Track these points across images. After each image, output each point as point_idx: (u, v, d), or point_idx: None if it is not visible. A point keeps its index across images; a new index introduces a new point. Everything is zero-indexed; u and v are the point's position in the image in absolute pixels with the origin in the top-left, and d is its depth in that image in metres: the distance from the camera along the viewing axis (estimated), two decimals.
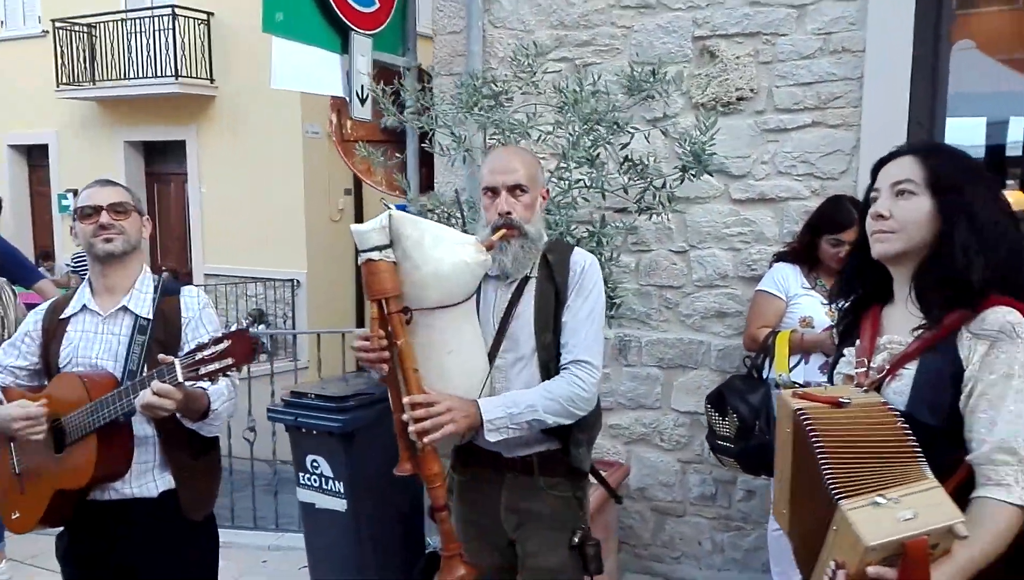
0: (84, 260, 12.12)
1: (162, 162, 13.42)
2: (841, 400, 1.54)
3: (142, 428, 2.26)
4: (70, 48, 12.91)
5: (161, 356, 2.07)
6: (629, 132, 3.08)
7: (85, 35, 12.85)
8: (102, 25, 12.68)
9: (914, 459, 1.45)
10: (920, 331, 1.59)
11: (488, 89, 3.30)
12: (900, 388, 1.57)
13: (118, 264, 2.32)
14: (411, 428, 1.97)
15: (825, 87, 3.41)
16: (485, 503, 2.28)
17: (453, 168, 3.84)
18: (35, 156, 14.56)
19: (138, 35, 12.44)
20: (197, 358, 2.00)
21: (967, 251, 1.53)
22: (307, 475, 3.69)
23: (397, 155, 4.17)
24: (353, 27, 3.82)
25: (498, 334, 2.18)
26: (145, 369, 2.21)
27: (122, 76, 12.68)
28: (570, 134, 3.04)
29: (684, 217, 3.69)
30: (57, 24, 12.82)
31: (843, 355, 1.77)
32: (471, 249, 2.04)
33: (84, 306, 2.33)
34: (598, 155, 3.15)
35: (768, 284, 3.17)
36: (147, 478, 2.30)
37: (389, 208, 2.00)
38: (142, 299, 2.33)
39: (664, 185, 3.13)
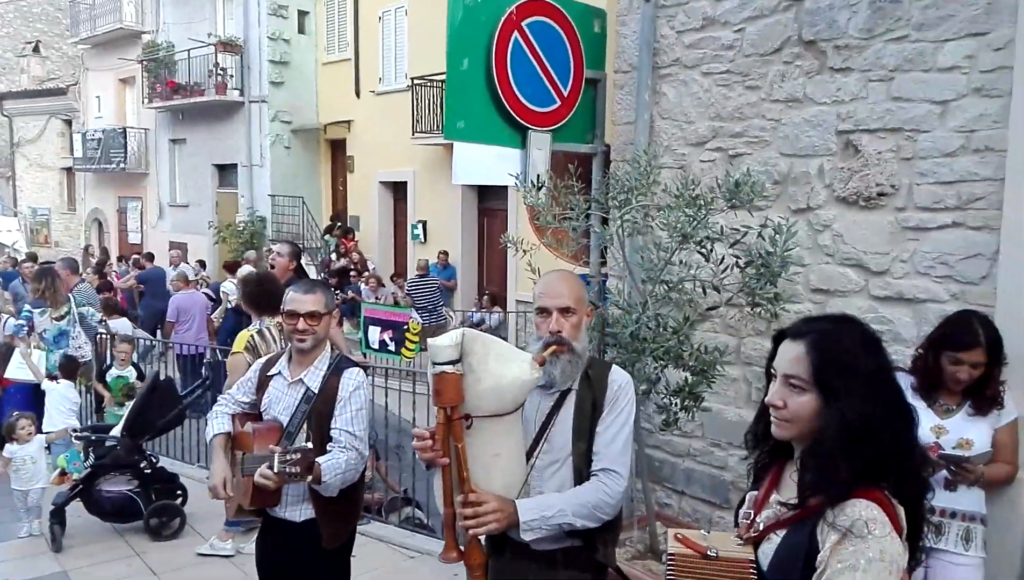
0: (417, 286, 13.81)
1: (490, 200, 15.05)
2: (709, 553, 1.79)
3: None
4: (425, 101, 15.07)
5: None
6: (712, 238, 3.19)
7: (437, 89, 14.90)
8: None
9: None
10: (789, 506, 1.74)
11: (620, 186, 3.62)
12: (767, 551, 1.76)
13: (308, 353, 3.05)
14: (460, 523, 2.19)
15: (967, 187, 3.18)
16: None
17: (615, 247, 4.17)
18: (398, 191, 17.16)
19: None
20: (285, 459, 2.67)
21: (832, 453, 1.65)
22: None
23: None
24: (531, 127, 4.28)
25: (537, 437, 2.42)
26: (304, 428, 2.96)
27: None
28: (667, 236, 3.25)
29: (825, 308, 3.64)
30: (415, 81, 15.05)
31: (745, 500, 1.92)
32: (527, 367, 2.21)
33: (280, 371, 3.09)
34: (711, 251, 3.32)
35: None
36: (296, 507, 3.01)
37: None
38: (316, 375, 3.04)
39: (760, 284, 3.19)
